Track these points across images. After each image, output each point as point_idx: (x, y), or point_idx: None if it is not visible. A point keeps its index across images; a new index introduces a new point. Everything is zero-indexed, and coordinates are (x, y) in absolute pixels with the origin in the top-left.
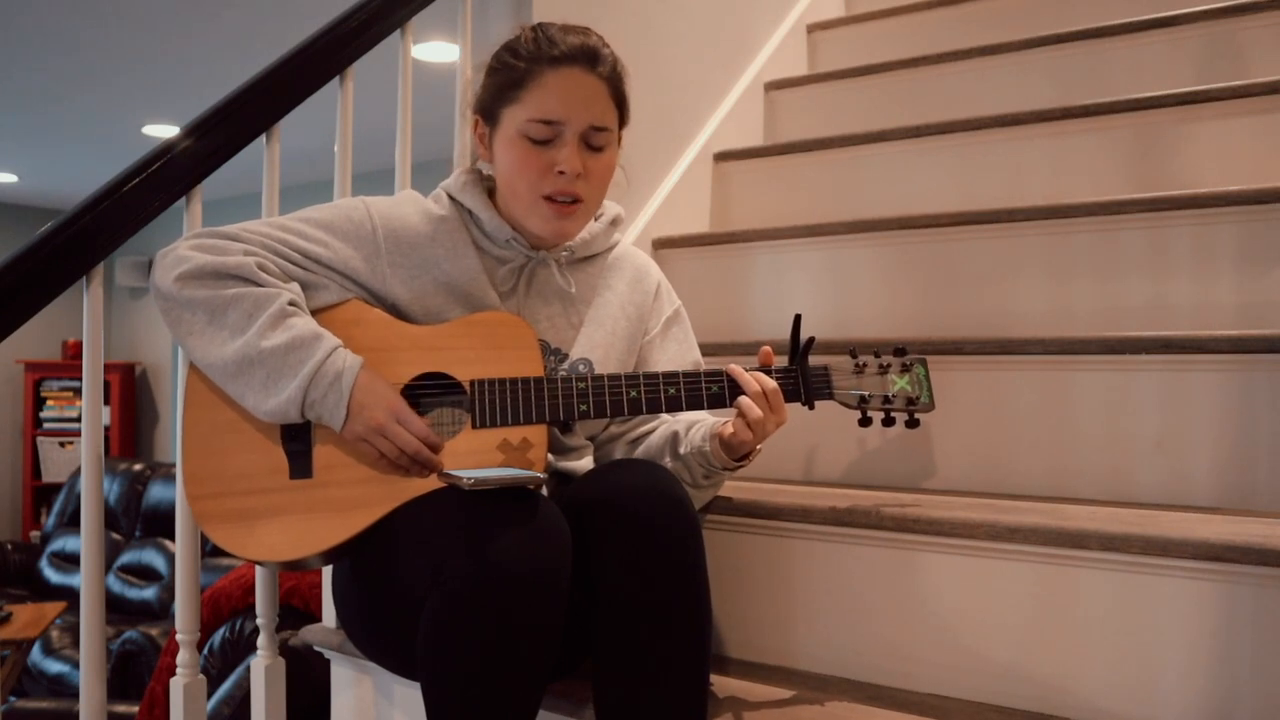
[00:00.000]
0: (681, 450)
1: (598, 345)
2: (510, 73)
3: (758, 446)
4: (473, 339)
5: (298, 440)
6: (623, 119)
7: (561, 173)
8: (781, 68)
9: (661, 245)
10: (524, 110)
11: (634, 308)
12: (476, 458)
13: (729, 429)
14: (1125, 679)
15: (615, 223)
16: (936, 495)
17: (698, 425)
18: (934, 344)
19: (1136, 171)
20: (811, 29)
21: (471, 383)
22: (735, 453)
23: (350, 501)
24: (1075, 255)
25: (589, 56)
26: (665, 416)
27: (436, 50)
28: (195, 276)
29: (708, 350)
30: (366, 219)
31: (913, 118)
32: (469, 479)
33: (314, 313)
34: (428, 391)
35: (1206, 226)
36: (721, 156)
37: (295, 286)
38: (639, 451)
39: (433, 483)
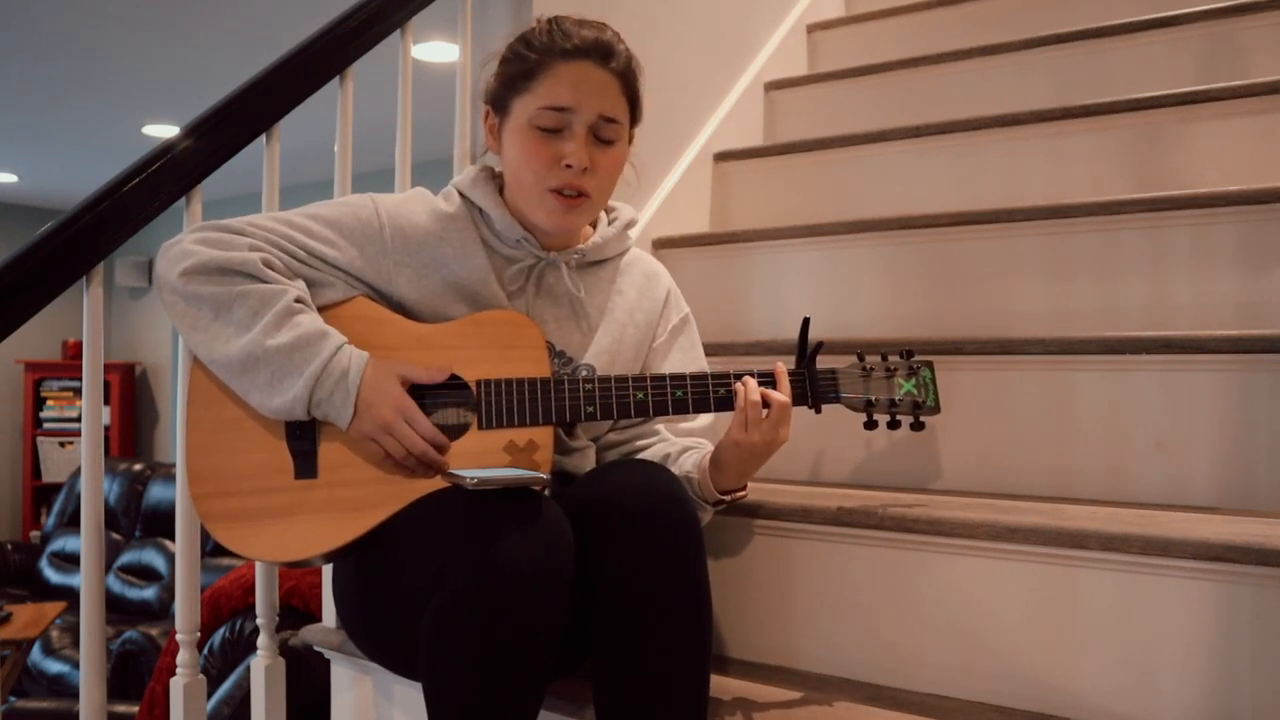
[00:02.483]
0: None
1: (604, 351)
2: (522, 63)
3: (745, 488)
4: (480, 338)
5: (303, 439)
6: (635, 115)
7: (569, 166)
8: (781, 68)
9: (661, 245)
10: (534, 100)
11: (643, 315)
12: (482, 458)
13: (722, 448)
14: (1125, 679)
15: (629, 227)
16: (936, 495)
17: (690, 452)
18: (934, 344)
19: (1136, 171)
20: (811, 29)
21: (478, 383)
22: (724, 474)
23: (355, 502)
24: (1075, 255)
25: (602, 51)
26: (662, 429)
27: (436, 50)
28: (200, 271)
29: (708, 350)
30: (374, 217)
31: (913, 118)
32: (472, 479)
33: (319, 310)
34: (434, 391)
35: (1206, 226)
36: (721, 156)
37: (301, 283)
38: None
39: (437, 484)
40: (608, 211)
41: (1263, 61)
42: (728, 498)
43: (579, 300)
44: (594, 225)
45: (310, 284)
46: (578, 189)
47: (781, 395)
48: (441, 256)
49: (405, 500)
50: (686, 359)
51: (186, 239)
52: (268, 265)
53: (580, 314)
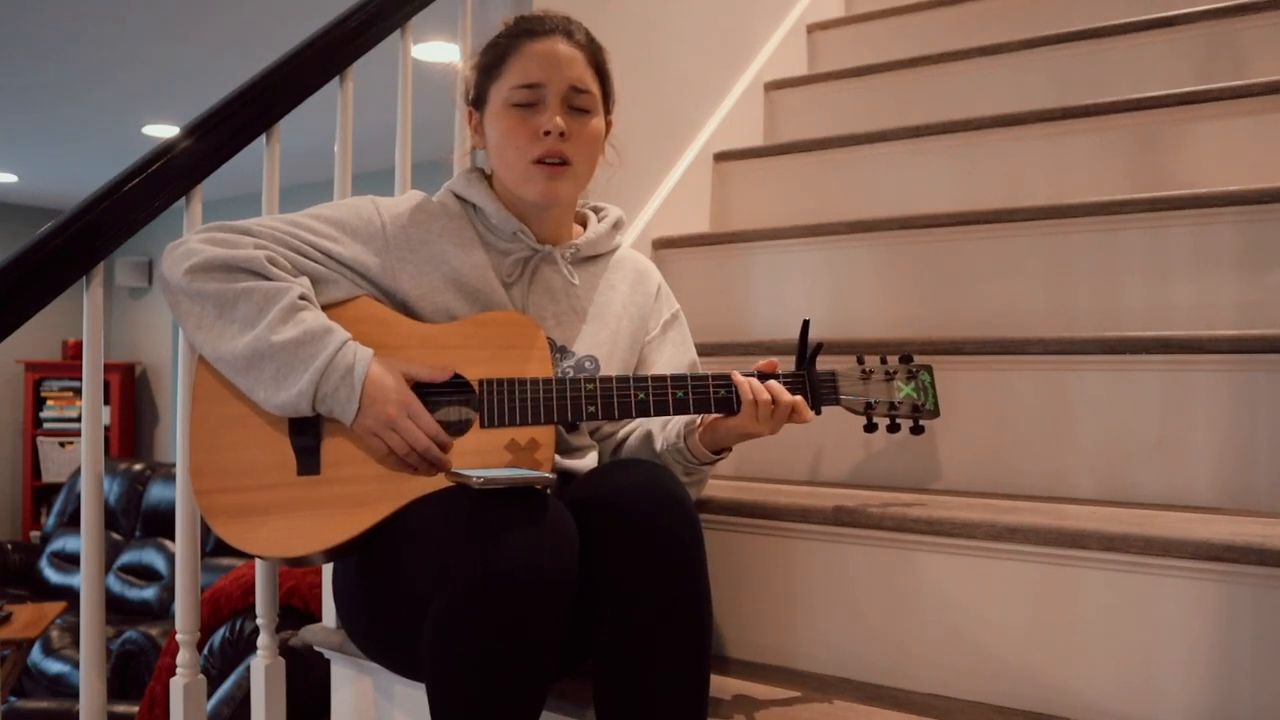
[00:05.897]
0: (658, 447)
1: (603, 342)
2: (493, 53)
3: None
4: (482, 338)
5: (306, 435)
6: (607, 92)
7: (547, 133)
8: (781, 68)
9: (661, 245)
10: (507, 81)
11: (636, 308)
12: (484, 457)
13: (723, 426)
14: (1125, 679)
15: (617, 226)
16: (936, 495)
17: (672, 422)
18: (934, 344)
19: (1136, 171)
20: (811, 29)
21: (480, 382)
22: (719, 441)
23: (357, 499)
24: (1075, 255)
25: (565, 29)
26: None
27: (436, 50)
28: (205, 269)
29: (709, 350)
30: (376, 215)
31: (913, 118)
32: (479, 478)
33: (324, 309)
34: (436, 390)
35: (1206, 226)
36: (721, 156)
37: (305, 281)
38: (622, 455)
39: (439, 481)
40: (596, 211)
41: (1263, 61)
42: (715, 456)
43: (574, 291)
44: (585, 225)
45: (315, 281)
46: (559, 155)
47: (788, 395)
48: (441, 253)
49: (407, 498)
50: (679, 351)
51: (192, 239)
52: (272, 263)
53: (576, 307)
